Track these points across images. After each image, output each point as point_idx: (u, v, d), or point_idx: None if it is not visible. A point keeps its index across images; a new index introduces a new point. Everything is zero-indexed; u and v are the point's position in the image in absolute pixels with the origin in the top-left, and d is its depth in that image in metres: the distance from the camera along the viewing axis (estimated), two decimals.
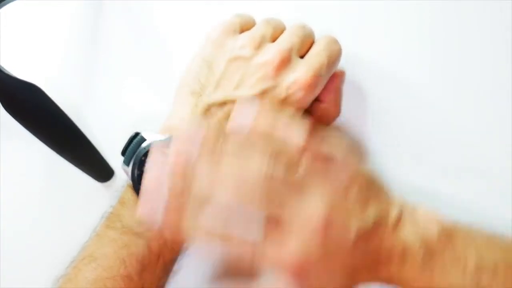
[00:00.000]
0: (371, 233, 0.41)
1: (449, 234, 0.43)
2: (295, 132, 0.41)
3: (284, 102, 0.47)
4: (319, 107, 0.51)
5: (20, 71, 0.49)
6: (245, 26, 0.50)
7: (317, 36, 0.51)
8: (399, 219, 0.42)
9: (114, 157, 0.53)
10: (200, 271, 0.53)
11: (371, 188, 0.43)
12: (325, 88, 0.50)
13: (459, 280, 0.42)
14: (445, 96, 0.53)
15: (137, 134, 0.47)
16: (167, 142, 0.44)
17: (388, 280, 0.43)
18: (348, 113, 0.53)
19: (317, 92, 0.49)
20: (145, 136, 0.46)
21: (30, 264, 0.54)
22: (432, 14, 0.54)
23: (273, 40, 0.49)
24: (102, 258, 0.46)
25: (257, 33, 0.49)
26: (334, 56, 0.49)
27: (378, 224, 0.42)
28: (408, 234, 0.42)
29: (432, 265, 0.42)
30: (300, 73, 0.47)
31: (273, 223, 0.39)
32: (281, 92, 0.47)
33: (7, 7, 0.50)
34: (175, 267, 0.50)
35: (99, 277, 0.45)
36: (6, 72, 0.49)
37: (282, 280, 0.39)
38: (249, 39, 0.48)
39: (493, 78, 0.53)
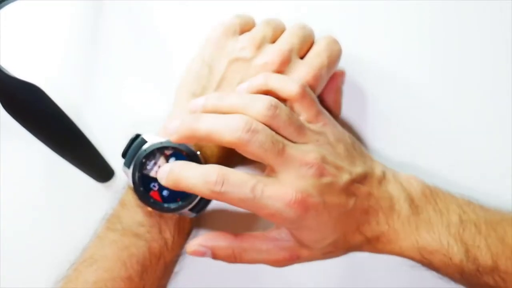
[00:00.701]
0: (359, 184, 0.45)
1: (431, 192, 0.47)
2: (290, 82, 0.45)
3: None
4: None
5: (20, 71, 0.49)
6: (245, 27, 0.50)
7: (317, 36, 0.51)
8: (383, 176, 0.47)
9: (114, 157, 0.53)
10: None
11: (356, 148, 0.47)
12: (325, 88, 0.51)
13: (444, 234, 0.45)
14: (445, 96, 0.54)
15: (137, 136, 0.47)
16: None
17: (377, 240, 0.46)
18: (348, 113, 0.54)
19: (317, 92, 0.49)
20: (145, 138, 0.46)
21: (30, 265, 0.54)
22: (432, 14, 0.54)
23: (273, 41, 0.49)
24: (102, 260, 0.46)
25: (257, 34, 0.49)
26: (334, 57, 0.49)
27: (365, 177, 0.46)
28: (393, 189, 0.47)
29: (417, 219, 0.46)
30: (301, 73, 0.47)
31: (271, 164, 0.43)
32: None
33: (7, 7, 0.50)
34: (176, 268, 0.50)
35: (100, 278, 0.45)
36: (6, 72, 0.49)
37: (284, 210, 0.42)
38: (249, 40, 0.48)
39: (493, 78, 0.53)
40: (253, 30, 0.50)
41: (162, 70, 0.55)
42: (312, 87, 0.47)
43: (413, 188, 0.47)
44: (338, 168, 0.44)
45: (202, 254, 0.45)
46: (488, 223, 0.46)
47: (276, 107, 0.43)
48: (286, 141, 0.43)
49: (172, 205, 0.46)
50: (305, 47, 0.49)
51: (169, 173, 0.43)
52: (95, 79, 0.56)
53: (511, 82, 0.53)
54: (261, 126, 0.42)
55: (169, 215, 0.47)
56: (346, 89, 0.53)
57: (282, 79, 0.46)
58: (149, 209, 0.46)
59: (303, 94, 0.45)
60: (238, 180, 0.42)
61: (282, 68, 0.47)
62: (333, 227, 0.44)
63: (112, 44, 0.56)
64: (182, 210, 0.46)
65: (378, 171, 0.47)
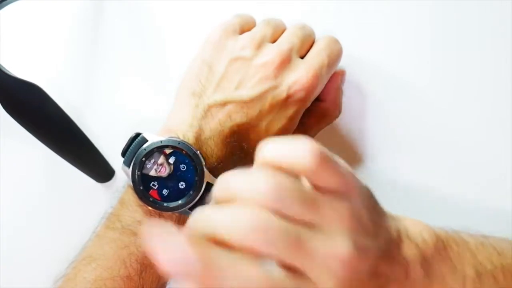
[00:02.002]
0: (382, 263, 0.36)
1: (444, 244, 0.40)
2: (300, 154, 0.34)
3: (285, 102, 0.47)
4: (320, 106, 0.51)
5: (20, 71, 0.49)
6: (245, 27, 0.50)
7: (318, 36, 0.51)
8: (399, 238, 0.38)
9: (114, 157, 0.53)
10: None
11: (376, 211, 0.38)
12: (325, 88, 0.50)
13: None
14: (445, 95, 0.53)
15: (137, 135, 0.47)
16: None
17: None
18: (348, 112, 0.53)
19: (317, 91, 0.49)
20: (146, 137, 0.46)
21: (30, 264, 0.54)
22: (432, 14, 0.54)
23: (274, 40, 0.49)
24: (102, 259, 0.46)
25: (257, 33, 0.49)
26: (335, 56, 0.49)
27: (388, 251, 0.37)
28: (408, 251, 0.38)
29: (431, 280, 0.39)
30: (301, 73, 0.47)
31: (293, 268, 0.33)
32: (282, 92, 0.47)
33: (7, 7, 0.50)
34: None
35: (99, 277, 0.45)
36: (6, 72, 0.49)
37: None
38: (249, 40, 0.48)
39: (493, 78, 0.53)
40: (253, 30, 0.50)
41: (162, 70, 0.56)
42: (312, 87, 0.47)
43: (426, 244, 0.39)
44: (366, 250, 0.35)
45: None
46: (506, 270, 0.41)
47: (280, 186, 0.33)
48: (301, 230, 0.33)
49: (172, 204, 0.46)
50: (305, 47, 0.49)
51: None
52: (96, 79, 0.56)
53: (511, 82, 0.53)
54: (272, 221, 0.32)
55: (169, 214, 0.47)
56: (346, 89, 0.53)
57: (288, 145, 0.35)
58: (149, 208, 0.46)
59: (320, 163, 0.33)
60: None
61: (281, 68, 0.47)
62: None
63: (112, 44, 0.56)
64: (181, 209, 0.46)
65: (394, 234, 0.38)
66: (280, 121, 0.47)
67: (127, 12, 0.56)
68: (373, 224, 0.36)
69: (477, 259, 0.40)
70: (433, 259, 0.39)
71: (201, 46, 0.50)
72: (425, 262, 0.38)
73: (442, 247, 0.39)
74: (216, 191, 0.35)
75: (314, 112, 0.51)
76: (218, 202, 0.35)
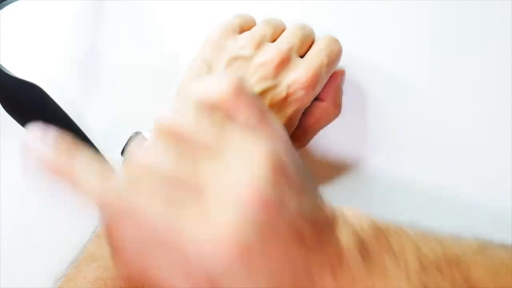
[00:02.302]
0: (307, 228, 0.33)
1: (383, 232, 0.36)
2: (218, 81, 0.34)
3: (285, 101, 0.47)
4: (320, 106, 0.51)
5: (20, 71, 0.49)
6: (245, 27, 0.50)
7: (318, 36, 0.51)
8: (333, 218, 0.35)
9: (115, 157, 0.53)
10: None
11: (305, 178, 0.35)
12: (325, 88, 0.50)
13: (403, 282, 0.35)
14: (445, 95, 0.53)
15: (137, 134, 0.47)
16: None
17: None
18: (348, 112, 0.53)
19: (317, 91, 0.49)
20: (146, 136, 0.46)
21: (30, 264, 0.54)
22: (432, 14, 0.54)
23: (273, 40, 0.49)
24: (102, 259, 0.46)
25: (256, 33, 0.49)
26: (334, 56, 0.49)
27: (315, 220, 0.34)
28: (343, 234, 0.35)
29: (371, 270, 0.35)
30: (300, 73, 0.47)
31: (190, 193, 0.31)
32: (281, 91, 0.47)
33: (7, 7, 0.50)
34: None
35: (99, 277, 0.45)
36: (6, 72, 0.49)
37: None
38: (248, 39, 0.48)
39: (493, 78, 0.53)
40: (253, 29, 0.50)
41: (162, 70, 0.55)
42: (312, 86, 0.47)
43: (364, 230, 0.36)
44: (285, 200, 0.31)
45: None
46: (450, 262, 0.38)
47: (175, 109, 0.34)
48: (201, 156, 0.31)
49: None
50: (305, 46, 0.49)
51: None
52: (95, 79, 0.56)
53: (511, 82, 0.53)
54: (158, 147, 0.33)
55: None
56: (346, 88, 0.53)
57: (205, 80, 0.35)
58: None
59: (235, 93, 0.33)
60: (148, 203, 0.31)
61: (281, 67, 0.47)
62: (268, 284, 0.31)
63: (112, 44, 0.56)
64: None
65: (328, 210, 0.35)
66: (280, 120, 0.47)
67: (127, 12, 0.56)
68: (298, 179, 0.33)
69: (420, 251, 0.37)
70: (373, 248, 0.35)
71: (201, 46, 0.50)
72: (364, 250, 0.35)
73: (382, 236, 0.36)
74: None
75: (314, 112, 0.51)
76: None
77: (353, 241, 0.34)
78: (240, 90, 0.33)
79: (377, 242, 0.36)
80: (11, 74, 0.49)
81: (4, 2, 0.50)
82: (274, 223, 0.31)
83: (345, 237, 0.34)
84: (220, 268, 0.30)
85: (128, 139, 0.47)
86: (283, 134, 0.34)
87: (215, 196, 0.30)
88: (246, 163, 0.31)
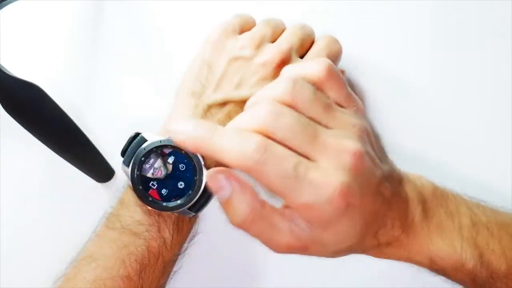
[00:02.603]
0: (387, 184, 0.40)
1: (441, 193, 0.44)
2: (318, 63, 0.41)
3: None
4: None
5: (20, 71, 0.49)
6: (245, 27, 0.50)
7: (318, 36, 0.51)
8: (401, 176, 0.43)
9: (114, 157, 0.53)
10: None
11: (379, 143, 0.42)
12: None
13: (457, 239, 0.42)
14: (445, 95, 0.53)
15: (137, 134, 0.47)
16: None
17: (387, 245, 0.41)
18: None
19: None
20: (145, 137, 0.46)
21: (30, 264, 0.54)
22: (432, 14, 0.54)
23: (273, 40, 0.49)
24: (101, 259, 0.46)
25: (256, 33, 0.49)
26: (334, 55, 0.49)
27: (391, 178, 0.41)
28: (409, 190, 0.42)
29: (429, 224, 0.42)
30: None
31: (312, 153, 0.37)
32: None
33: (7, 7, 0.50)
34: (175, 267, 0.50)
35: (99, 277, 0.45)
36: (6, 72, 0.49)
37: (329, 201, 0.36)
38: (249, 40, 0.48)
39: (493, 78, 0.53)
40: (253, 30, 0.50)
41: (162, 70, 0.56)
42: None
43: (425, 188, 0.43)
44: (374, 162, 0.39)
45: (219, 189, 0.38)
46: (500, 226, 0.43)
47: (296, 82, 0.38)
48: (318, 125, 0.38)
49: (171, 204, 0.46)
50: (305, 46, 0.49)
51: (193, 133, 0.37)
52: (96, 79, 0.56)
53: (511, 82, 0.53)
54: (287, 108, 0.37)
55: (168, 214, 0.47)
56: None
57: (304, 63, 0.42)
58: (148, 208, 0.46)
59: (329, 74, 0.40)
60: (282, 153, 0.36)
61: (281, 67, 0.47)
62: (360, 229, 0.39)
63: (112, 44, 0.56)
64: (180, 209, 0.46)
65: (397, 170, 0.43)
66: None
67: (127, 12, 0.56)
68: (378, 148, 0.41)
69: (473, 211, 0.44)
70: (431, 203, 0.43)
71: (201, 46, 0.50)
72: (424, 203, 0.42)
73: (439, 194, 0.43)
74: (249, 101, 0.40)
75: None
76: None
77: (417, 197, 0.42)
78: (333, 72, 0.40)
79: (436, 200, 0.43)
80: (11, 74, 0.49)
81: (4, 2, 0.50)
82: (367, 179, 0.38)
83: (411, 192, 0.42)
84: (330, 210, 0.36)
85: (128, 139, 0.47)
86: (363, 107, 0.42)
87: (328, 158, 0.37)
88: (349, 134, 0.38)
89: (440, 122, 0.53)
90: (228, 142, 0.36)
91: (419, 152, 0.53)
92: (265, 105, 0.37)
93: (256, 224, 0.38)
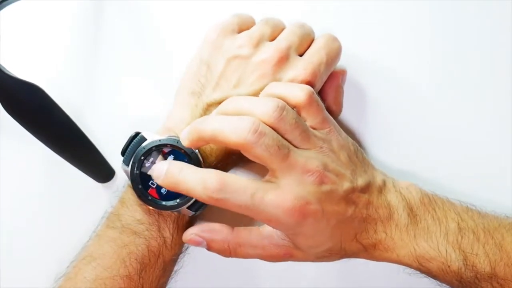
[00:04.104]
0: (360, 193, 0.45)
1: (430, 200, 0.47)
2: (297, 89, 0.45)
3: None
4: None
5: (20, 71, 0.49)
6: (244, 26, 0.50)
7: (317, 34, 0.51)
8: (383, 185, 0.47)
9: (114, 157, 0.53)
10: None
11: (358, 156, 0.47)
12: (325, 87, 0.51)
13: (442, 242, 0.46)
14: (445, 95, 0.53)
15: (137, 134, 0.47)
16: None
17: (373, 247, 0.46)
18: (349, 111, 0.53)
19: (316, 89, 0.49)
20: (145, 136, 0.46)
21: (30, 263, 0.54)
22: (432, 13, 0.54)
23: (272, 39, 0.49)
24: (102, 258, 0.46)
25: (255, 32, 0.49)
26: (333, 54, 0.49)
27: (366, 186, 0.46)
28: (392, 198, 0.47)
29: (415, 228, 0.46)
30: (299, 71, 0.47)
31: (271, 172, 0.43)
32: None
33: (7, 7, 0.50)
34: (176, 267, 0.50)
35: (99, 276, 0.45)
36: (6, 72, 0.49)
37: (282, 218, 0.42)
38: (247, 39, 0.48)
39: (493, 78, 0.53)
40: (252, 29, 0.50)
41: (162, 70, 0.55)
42: (310, 84, 0.47)
43: (412, 196, 0.47)
44: (340, 175, 0.44)
45: (197, 244, 0.46)
46: (486, 230, 0.46)
47: (283, 109, 0.43)
48: (291, 146, 0.43)
49: (170, 203, 0.46)
50: (304, 45, 0.49)
51: (166, 173, 0.44)
52: (96, 79, 0.56)
53: (511, 82, 0.53)
54: (268, 129, 0.42)
55: (168, 213, 0.47)
56: (346, 88, 0.53)
57: (289, 86, 0.46)
58: (148, 207, 0.46)
59: (310, 100, 0.45)
60: (238, 186, 0.42)
61: (280, 65, 0.47)
62: (330, 234, 0.45)
63: (112, 44, 0.56)
64: (180, 208, 0.46)
65: (378, 179, 0.47)
66: None
67: (127, 12, 0.56)
68: (350, 162, 0.46)
69: (461, 217, 0.47)
70: (418, 210, 0.47)
71: (199, 46, 0.50)
72: (410, 210, 0.46)
73: (427, 202, 0.47)
74: (224, 105, 0.45)
75: None
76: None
77: (402, 204, 0.46)
78: (313, 99, 0.45)
79: (423, 207, 0.47)
80: (11, 74, 0.49)
81: (4, 2, 0.50)
82: (329, 191, 0.43)
83: (394, 200, 0.46)
84: (291, 221, 0.42)
85: (128, 139, 0.47)
86: (337, 126, 0.47)
87: (290, 176, 0.43)
88: (316, 154, 0.44)
89: (440, 121, 0.53)
90: (193, 181, 0.43)
91: (418, 150, 0.53)
92: (249, 123, 0.42)
93: (240, 251, 0.46)
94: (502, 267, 0.45)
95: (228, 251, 0.46)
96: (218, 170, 0.43)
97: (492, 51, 0.54)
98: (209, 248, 0.46)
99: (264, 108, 0.43)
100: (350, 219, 0.45)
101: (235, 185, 0.42)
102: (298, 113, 0.45)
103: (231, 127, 0.42)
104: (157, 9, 0.56)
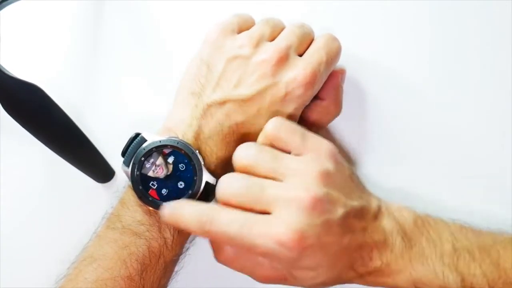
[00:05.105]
0: (354, 219, 0.44)
1: (423, 222, 0.47)
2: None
3: (284, 99, 0.47)
4: (320, 105, 0.51)
5: (20, 71, 0.49)
6: (244, 26, 0.50)
7: (317, 35, 0.51)
8: (378, 210, 0.46)
9: (114, 158, 0.53)
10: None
11: (353, 180, 0.47)
12: (325, 86, 0.50)
13: (438, 265, 0.45)
14: (444, 94, 0.53)
15: (137, 135, 0.47)
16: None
17: (369, 274, 0.45)
18: (348, 111, 0.53)
19: (316, 89, 0.49)
20: (145, 137, 0.46)
21: (30, 264, 0.54)
22: (432, 13, 0.54)
23: (272, 39, 0.49)
24: (102, 259, 0.46)
25: (255, 32, 0.49)
26: (333, 53, 0.49)
27: (360, 212, 0.45)
28: (387, 223, 0.46)
29: (410, 252, 0.45)
30: (299, 70, 0.47)
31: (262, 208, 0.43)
32: (280, 89, 0.47)
33: (7, 7, 0.50)
34: (177, 267, 0.50)
35: (100, 277, 0.45)
36: (6, 72, 0.49)
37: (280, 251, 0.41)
38: (247, 39, 0.48)
39: (493, 77, 0.53)
40: (252, 29, 0.50)
41: (162, 70, 0.55)
42: (310, 84, 0.47)
43: (405, 219, 0.47)
44: (332, 202, 0.43)
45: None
46: (482, 248, 0.46)
47: (242, 148, 0.45)
48: (266, 182, 0.43)
49: None
50: (304, 45, 0.49)
51: (171, 211, 0.44)
52: (96, 79, 0.56)
53: (511, 82, 0.53)
54: (236, 175, 0.44)
55: None
56: (346, 87, 0.53)
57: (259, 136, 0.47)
58: (149, 208, 0.46)
59: (276, 130, 0.45)
60: (228, 218, 0.42)
61: (279, 65, 0.47)
62: (328, 266, 0.44)
63: (112, 44, 0.56)
64: None
65: (373, 205, 0.47)
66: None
67: (127, 12, 0.56)
68: (346, 184, 0.45)
69: (455, 237, 0.46)
70: (412, 233, 0.46)
71: (199, 46, 0.50)
72: (404, 234, 0.46)
73: (421, 224, 0.47)
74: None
75: (315, 111, 0.51)
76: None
77: (396, 229, 0.46)
78: (280, 127, 0.45)
79: (417, 229, 0.46)
80: (11, 74, 0.49)
81: (4, 2, 0.50)
82: (325, 220, 0.42)
83: (389, 225, 0.46)
84: (287, 255, 0.41)
85: (128, 140, 0.47)
86: (326, 148, 0.46)
87: (280, 208, 0.42)
88: (303, 182, 0.43)
89: (440, 120, 0.53)
90: (188, 216, 0.43)
91: (418, 150, 0.53)
92: (225, 176, 0.44)
93: (239, 261, 0.45)
94: (500, 285, 0.45)
95: (230, 256, 0.46)
96: (211, 205, 0.44)
97: (492, 51, 0.54)
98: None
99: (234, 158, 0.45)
100: (347, 248, 0.44)
101: (224, 217, 0.42)
102: (279, 148, 0.45)
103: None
104: (157, 9, 0.56)
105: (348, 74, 0.53)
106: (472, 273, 0.45)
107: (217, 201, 0.44)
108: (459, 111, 0.53)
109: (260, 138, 0.46)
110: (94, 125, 0.54)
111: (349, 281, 0.46)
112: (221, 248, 0.46)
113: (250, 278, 0.47)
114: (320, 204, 0.42)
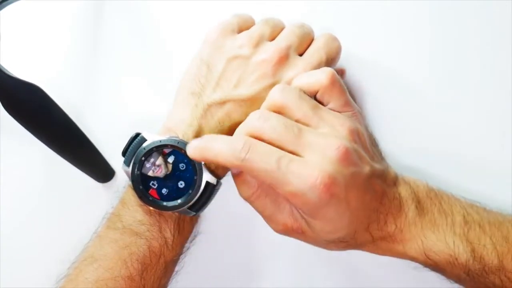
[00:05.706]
0: (377, 180, 0.45)
1: (436, 194, 0.48)
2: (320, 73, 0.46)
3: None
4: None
5: (20, 71, 0.49)
6: (244, 26, 0.50)
7: (317, 35, 0.51)
8: (396, 178, 0.47)
9: (114, 157, 0.53)
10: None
11: (375, 146, 0.48)
12: None
13: (449, 234, 0.45)
14: (444, 94, 0.53)
15: (137, 134, 0.47)
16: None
17: (382, 239, 0.46)
18: None
19: None
20: (145, 137, 0.46)
21: (31, 264, 0.54)
22: (432, 13, 0.54)
23: (272, 39, 0.49)
24: (103, 259, 0.46)
25: (255, 32, 0.49)
26: (333, 53, 0.49)
27: (383, 177, 0.46)
28: (402, 190, 0.47)
29: (423, 220, 0.46)
30: (299, 70, 0.47)
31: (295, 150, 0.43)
32: None
33: (7, 7, 0.50)
34: (177, 267, 0.50)
35: (100, 277, 0.45)
36: (6, 72, 0.49)
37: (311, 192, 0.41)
38: (247, 39, 0.48)
39: (493, 78, 0.53)
40: (252, 29, 0.50)
41: (162, 70, 0.56)
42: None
43: (419, 189, 0.47)
44: (361, 158, 0.44)
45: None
46: (492, 224, 0.46)
47: (282, 89, 0.44)
48: (303, 126, 0.43)
49: (171, 204, 0.46)
50: (304, 45, 0.49)
51: (197, 144, 0.44)
52: (96, 79, 0.56)
53: (511, 82, 0.53)
54: (273, 113, 0.43)
55: (169, 213, 0.47)
56: (346, 87, 0.53)
57: (312, 72, 0.47)
58: (149, 207, 0.46)
59: (331, 81, 0.45)
60: (265, 149, 0.42)
61: (280, 65, 0.47)
62: (348, 221, 0.43)
63: (112, 44, 0.56)
64: (181, 209, 0.46)
65: (392, 172, 0.47)
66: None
67: (127, 12, 0.56)
68: (371, 148, 0.46)
69: (466, 210, 0.47)
70: (425, 203, 0.47)
71: (199, 46, 0.50)
72: (419, 205, 0.46)
73: (433, 195, 0.47)
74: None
75: None
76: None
77: (411, 197, 0.46)
78: (335, 81, 0.45)
79: (429, 200, 0.47)
80: (11, 74, 0.49)
81: (4, 2, 0.50)
82: (353, 173, 0.43)
83: (404, 192, 0.47)
84: (314, 199, 0.41)
85: (128, 139, 0.47)
86: (361, 115, 0.47)
87: (313, 153, 0.42)
88: (335, 133, 0.43)
89: (440, 120, 0.53)
90: (221, 145, 0.43)
91: (418, 149, 0.53)
92: (255, 113, 0.44)
93: (262, 200, 0.45)
94: (510, 260, 0.45)
95: (255, 192, 0.45)
96: (246, 136, 0.43)
97: (492, 51, 0.54)
98: (239, 175, 0.46)
99: (268, 98, 0.45)
100: (367, 206, 0.44)
101: (262, 148, 0.42)
102: (322, 97, 0.46)
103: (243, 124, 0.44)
104: (157, 9, 0.56)
105: (348, 74, 0.53)
106: (482, 244, 0.45)
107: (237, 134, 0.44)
108: (459, 111, 0.53)
109: (316, 84, 0.46)
110: (94, 125, 0.54)
111: (362, 245, 0.46)
112: (247, 183, 0.45)
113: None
114: (351, 157, 0.42)
